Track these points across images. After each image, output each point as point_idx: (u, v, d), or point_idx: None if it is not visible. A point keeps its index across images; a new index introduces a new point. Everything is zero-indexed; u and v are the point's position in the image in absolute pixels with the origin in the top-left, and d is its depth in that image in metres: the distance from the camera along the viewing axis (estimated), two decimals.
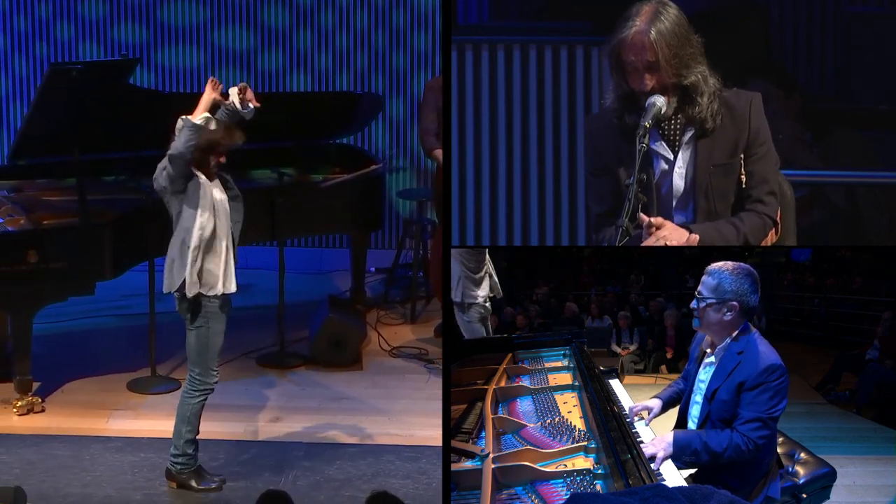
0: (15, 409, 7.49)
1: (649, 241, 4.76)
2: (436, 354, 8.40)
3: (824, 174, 6.39)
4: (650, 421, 5.06)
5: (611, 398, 5.19)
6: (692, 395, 4.79)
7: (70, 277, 7.46)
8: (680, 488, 3.66)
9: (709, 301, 4.56)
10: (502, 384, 5.75)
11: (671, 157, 4.93)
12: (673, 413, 5.01)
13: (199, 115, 6.35)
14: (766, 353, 4.53)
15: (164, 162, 6.38)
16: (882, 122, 6.43)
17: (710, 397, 4.60)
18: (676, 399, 5.09)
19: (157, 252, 7.67)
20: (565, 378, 5.85)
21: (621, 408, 5.09)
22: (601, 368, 5.88)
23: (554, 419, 5.08)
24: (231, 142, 6.48)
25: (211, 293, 6.46)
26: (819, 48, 6.65)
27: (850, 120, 6.56)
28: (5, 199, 7.84)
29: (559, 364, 6.21)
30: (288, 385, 8.04)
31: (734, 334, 4.59)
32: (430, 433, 7.13)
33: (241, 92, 6.39)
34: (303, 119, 8.76)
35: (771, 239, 5.03)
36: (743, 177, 4.93)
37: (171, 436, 6.74)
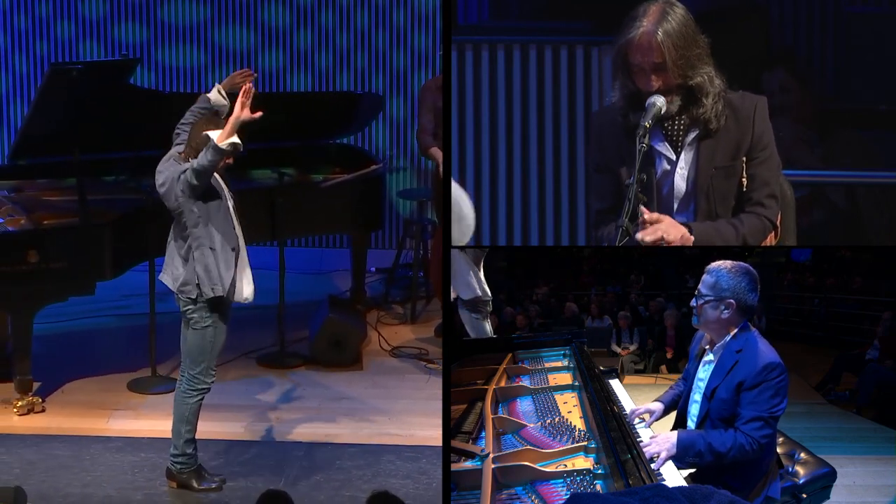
0: (15, 409, 7.49)
1: (647, 232, 4.75)
2: (436, 354, 8.40)
3: (824, 174, 6.39)
4: (650, 423, 5.06)
5: (611, 398, 5.19)
6: (691, 394, 4.80)
7: (70, 277, 7.47)
8: (680, 488, 3.66)
9: (706, 298, 4.58)
10: (502, 384, 5.75)
11: (673, 157, 4.93)
12: (673, 413, 5.01)
13: (227, 141, 6.25)
14: (765, 351, 4.53)
15: (187, 174, 6.31)
16: (882, 122, 6.42)
17: (709, 396, 4.60)
18: (678, 402, 5.09)
19: (157, 252, 7.66)
20: (565, 378, 5.86)
21: (621, 408, 5.09)
22: (601, 368, 5.88)
23: (554, 419, 5.08)
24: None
25: (234, 294, 6.50)
26: (819, 48, 6.64)
27: (850, 120, 6.56)
28: (6, 199, 7.85)
29: (559, 364, 6.21)
30: (288, 385, 8.04)
31: (733, 332, 4.60)
32: (430, 433, 7.14)
33: (246, 95, 6.33)
34: (303, 119, 8.76)
35: (770, 241, 5.04)
36: (744, 179, 4.94)
37: (171, 436, 6.75)
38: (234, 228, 6.51)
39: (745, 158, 4.92)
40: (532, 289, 8.82)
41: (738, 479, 4.53)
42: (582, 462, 4.43)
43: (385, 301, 9.37)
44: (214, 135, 6.27)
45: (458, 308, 7.04)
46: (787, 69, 6.50)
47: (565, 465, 4.41)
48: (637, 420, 5.04)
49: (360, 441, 7.31)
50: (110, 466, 6.98)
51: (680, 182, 4.94)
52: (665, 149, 4.93)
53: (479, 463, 4.50)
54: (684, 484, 4.30)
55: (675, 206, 4.94)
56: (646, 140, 4.76)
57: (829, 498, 5.39)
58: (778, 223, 5.03)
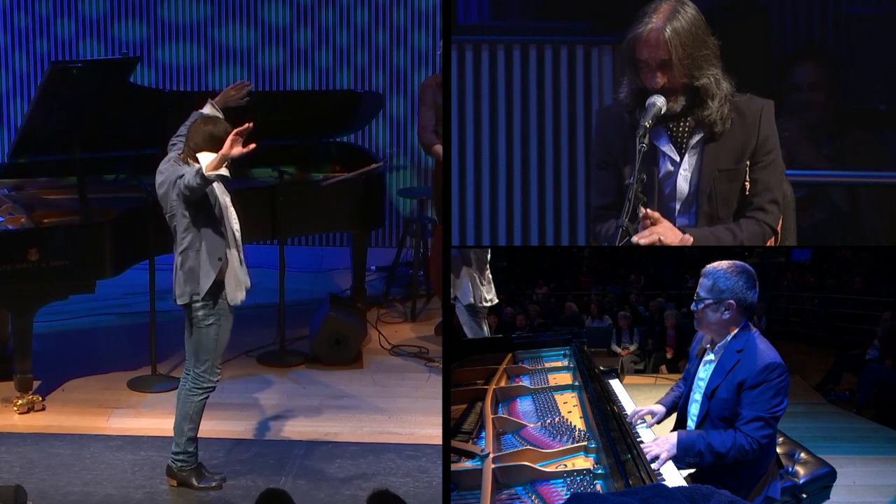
0: (15, 408, 7.50)
1: (642, 236, 4.75)
2: (436, 353, 8.40)
3: (825, 174, 6.39)
4: (651, 425, 5.07)
5: (611, 398, 5.20)
6: (691, 394, 4.80)
7: (71, 276, 7.47)
8: (680, 488, 3.66)
9: (706, 301, 4.58)
10: (502, 384, 5.75)
11: (678, 159, 4.93)
12: (674, 415, 5.01)
13: (215, 173, 6.21)
14: (766, 351, 4.53)
15: (180, 184, 6.30)
16: (882, 122, 6.42)
17: (709, 395, 4.60)
18: (679, 403, 5.10)
19: (157, 250, 7.69)
20: (565, 378, 5.86)
21: (621, 408, 5.09)
22: (601, 368, 5.89)
23: (554, 419, 5.08)
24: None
25: (232, 292, 6.51)
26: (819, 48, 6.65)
27: (850, 120, 6.56)
28: (6, 198, 7.85)
29: (559, 364, 6.22)
30: (288, 383, 8.04)
31: (734, 332, 4.60)
32: (430, 431, 7.15)
33: (240, 133, 6.30)
34: (303, 117, 8.76)
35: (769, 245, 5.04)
36: (747, 183, 4.93)
37: (171, 434, 6.76)
38: (227, 235, 6.49)
39: (748, 162, 4.92)
40: (532, 289, 8.83)
41: (738, 478, 4.52)
42: (582, 462, 4.43)
43: (385, 299, 9.37)
44: (205, 158, 6.26)
45: (456, 307, 7.06)
46: (820, 65, 6.46)
47: (565, 465, 4.41)
48: (639, 421, 5.05)
49: (361, 439, 7.32)
50: (110, 465, 6.98)
51: (683, 184, 4.94)
52: (670, 150, 4.93)
53: (479, 463, 4.51)
54: (684, 484, 4.30)
55: (677, 207, 4.94)
56: (646, 140, 4.75)
57: (829, 498, 5.40)
58: (778, 229, 5.03)
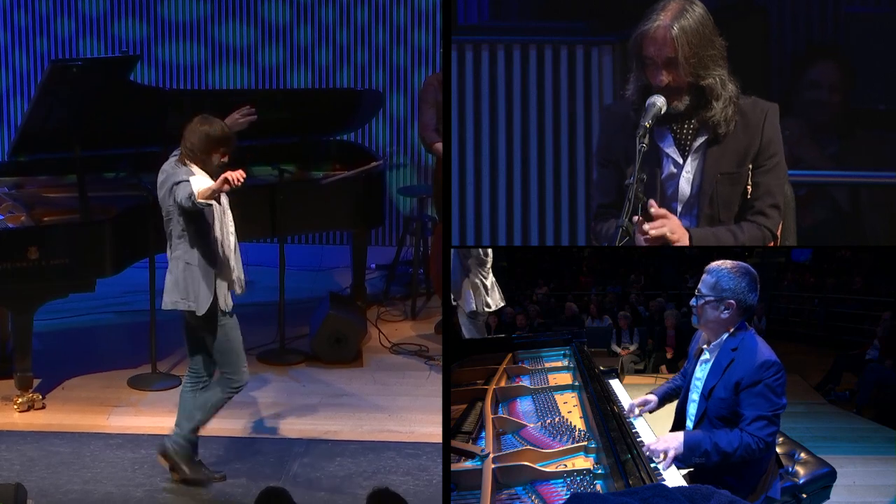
0: (16, 406, 7.50)
1: (654, 225, 4.75)
2: (436, 351, 8.41)
3: (826, 174, 6.38)
4: (644, 412, 5.08)
5: (611, 398, 5.20)
6: (689, 394, 4.80)
7: (71, 274, 7.47)
8: (680, 488, 3.67)
9: (707, 298, 4.58)
10: (502, 384, 5.76)
11: (681, 161, 4.93)
12: (670, 413, 5.02)
13: (204, 201, 6.21)
14: (762, 349, 4.53)
15: (179, 196, 6.29)
16: (882, 123, 6.42)
17: (706, 395, 4.61)
18: (672, 395, 5.11)
19: (157, 249, 7.68)
20: (565, 378, 5.87)
21: (621, 408, 5.09)
22: (601, 368, 5.89)
23: (554, 419, 5.09)
24: (233, 143, 6.49)
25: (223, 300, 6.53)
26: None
27: (852, 120, 6.55)
28: (6, 196, 7.85)
29: (559, 364, 6.23)
30: (288, 382, 8.05)
31: (730, 331, 4.60)
32: (430, 430, 7.15)
33: (236, 179, 6.29)
34: (303, 116, 8.76)
35: None
36: (749, 187, 4.94)
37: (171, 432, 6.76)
38: (221, 241, 6.48)
39: (751, 166, 4.92)
40: (532, 289, 8.85)
41: (738, 478, 4.52)
42: (582, 462, 4.43)
43: (385, 298, 9.38)
44: (197, 182, 6.24)
45: (458, 311, 7.07)
46: (840, 65, 6.44)
47: (565, 465, 4.42)
48: (636, 413, 5.06)
49: (361, 438, 7.32)
50: (110, 463, 6.99)
51: (685, 186, 4.94)
52: (673, 152, 4.93)
53: (479, 463, 4.51)
54: (684, 484, 4.30)
55: (679, 209, 4.94)
56: (646, 140, 4.76)
57: (829, 498, 5.40)
58: (778, 233, 5.03)
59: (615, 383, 5.72)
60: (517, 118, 6.39)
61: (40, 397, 7.58)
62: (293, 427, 7.43)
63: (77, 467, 6.93)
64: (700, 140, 4.91)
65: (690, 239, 4.84)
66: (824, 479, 5.35)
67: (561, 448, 4.56)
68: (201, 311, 6.45)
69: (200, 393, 6.65)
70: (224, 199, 6.54)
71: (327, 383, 8.02)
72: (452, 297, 6.93)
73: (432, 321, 8.97)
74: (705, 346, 4.71)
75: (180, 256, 6.45)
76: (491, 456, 4.46)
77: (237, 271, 6.57)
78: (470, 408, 5.39)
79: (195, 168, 6.37)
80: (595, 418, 4.76)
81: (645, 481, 4.06)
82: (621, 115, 4.97)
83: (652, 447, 4.45)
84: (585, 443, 4.54)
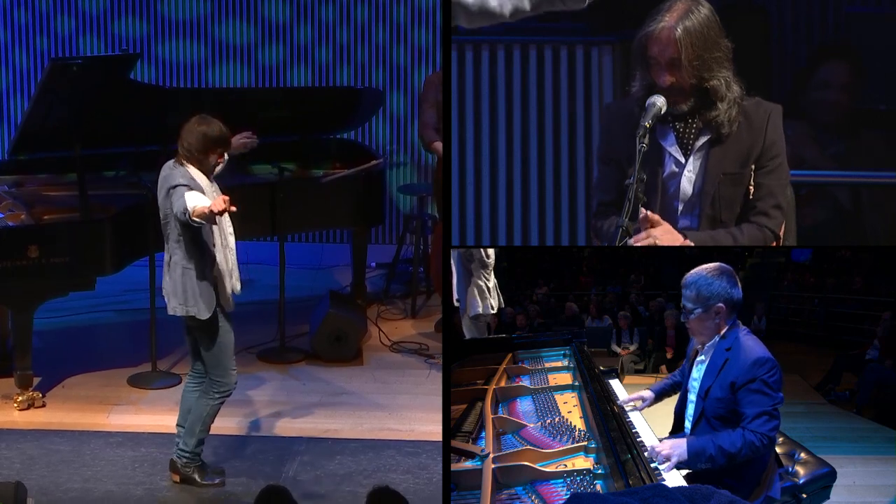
0: (16, 404, 7.51)
1: (640, 237, 4.76)
2: (436, 349, 8.41)
3: (826, 174, 6.37)
4: (642, 409, 5.08)
5: (611, 398, 5.21)
6: (687, 395, 4.81)
7: (71, 272, 7.47)
8: (680, 488, 3.67)
9: (695, 312, 4.58)
10: (502, 384, 5.76)
11: (683, 160, 4.93)
12: (669, 412, 5.02)
13: (198, 220, 6.19)
14: (754, 347, 4.54)
15: (175, 207, 6.27)
16: (882, 123, 6.41)
17: (703, 395, 4.62)
18: (669, 391, 5.12)
19: (157, 247, 7.67)
20: (565, 378, 5.87)
21: (621, 408, 5.10)
22: (601, 368, 5.90)
23: (554, 419, 5.09)
24: (231, 145, 6.49)
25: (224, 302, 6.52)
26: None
27: (855, 120, 6.54)
28: (6, 194, 7.85)
29: (559, 364, 6.23)
30: (288, 380, 8.05)
31: (723, 332, 4.61)
32: (430, 428, 7.15)
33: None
34: (303, 114, 8.76)
35: None
36: (751, 188, 4.94)
37: (172, 431, 6.77)
38: (219, 245, 6.47)
39: (753, 167, 4.92)
40: (532, 289, 8.85)
41: (738, 478, 4.53)
42: (582, 462, 4.44)
43: (385, 296, 9.38)
44: (192, 198, 6.23)
45: (459, 313, 7.08)
46: (851, 66, 6.43)
47: (565, 465, 4.42)
48: (629, 407, 5.07)
49: (361, 436, 7.32)
50: (111, 461, 6.99)
51: (686, 185, 4.94)
52: (675, 151, 4.93)
53: (479, 463, 4.52)
54: (684, 484, 4.31)
55: (680, 208, 4.94)
56: (646, 140, 4.76)
57: (829, 498, 5.40)
58: (781, 234, 5.03)
59: (615, 383, 5.73)
60: (517, 118, 6.38)
61: (40, 395, 7.58)
62: (293, 425, 7.43)
63: (77, 465, 6.94)
64: (703, 140, 4.91)
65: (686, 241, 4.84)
66: (824, 479, 5.35)
67: (561, 448, 4.57)
68: (204, 316, 6.44)
69: (196, 402, 6.64)
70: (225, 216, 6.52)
71: (327, 382, 8.02)
72: (456, 300, 6.94)
73: (432, 320, 8.97)
74: (700, 348, 4.72)
75: (178, 261, 6.44)
76: (491, 456, 4.47)
77: (236, 272, 6.56)
78: (470, 408, 5.39)
79: (192, 169, 6.36)
80: (595, 418, 4.76)
81: (645, 481, 4.07)
82: (623, 113, 4.97)
83: (656, 450, 4.46)
84: (585, 443, 4.55)
